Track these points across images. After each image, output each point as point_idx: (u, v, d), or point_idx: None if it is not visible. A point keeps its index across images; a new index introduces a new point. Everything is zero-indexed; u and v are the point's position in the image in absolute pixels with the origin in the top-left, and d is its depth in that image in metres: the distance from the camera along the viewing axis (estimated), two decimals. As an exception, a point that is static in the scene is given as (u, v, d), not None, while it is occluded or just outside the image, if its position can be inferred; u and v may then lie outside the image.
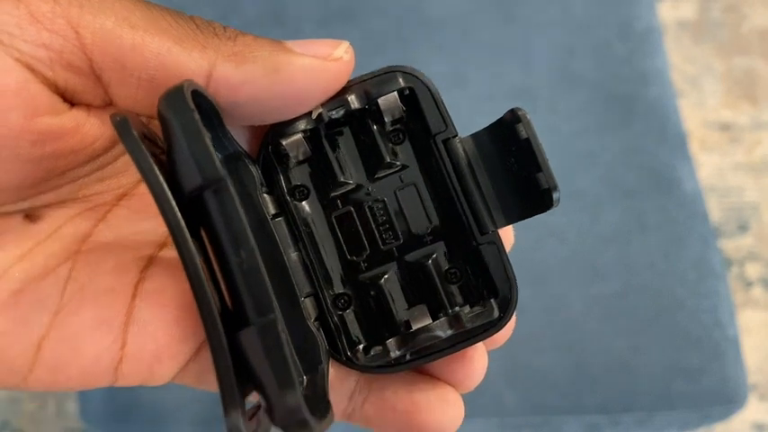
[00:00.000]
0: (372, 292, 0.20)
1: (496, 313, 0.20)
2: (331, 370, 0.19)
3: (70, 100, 0.16)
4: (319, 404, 0.17)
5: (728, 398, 0.64)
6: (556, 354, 0.63)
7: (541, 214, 0.20)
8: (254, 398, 0.17)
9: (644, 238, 0.68)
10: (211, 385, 0.20)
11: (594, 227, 0.68)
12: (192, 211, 0.16)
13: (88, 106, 0.17)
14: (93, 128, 0.17)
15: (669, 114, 0.75)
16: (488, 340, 0.20)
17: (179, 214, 0.15)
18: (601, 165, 0.71)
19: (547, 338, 0.64)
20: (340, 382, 0.20)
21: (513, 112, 0.19)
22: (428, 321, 0.20)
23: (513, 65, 0.75)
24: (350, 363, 0.20)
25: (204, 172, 0.15)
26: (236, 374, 0.16)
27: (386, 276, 0.20)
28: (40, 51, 0.15)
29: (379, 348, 0.20)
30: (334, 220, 0.20)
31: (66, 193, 0.18)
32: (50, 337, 0.18)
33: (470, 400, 0.71)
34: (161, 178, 0.15)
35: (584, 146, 0.72)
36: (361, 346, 0.20)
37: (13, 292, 0.17)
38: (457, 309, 0.20)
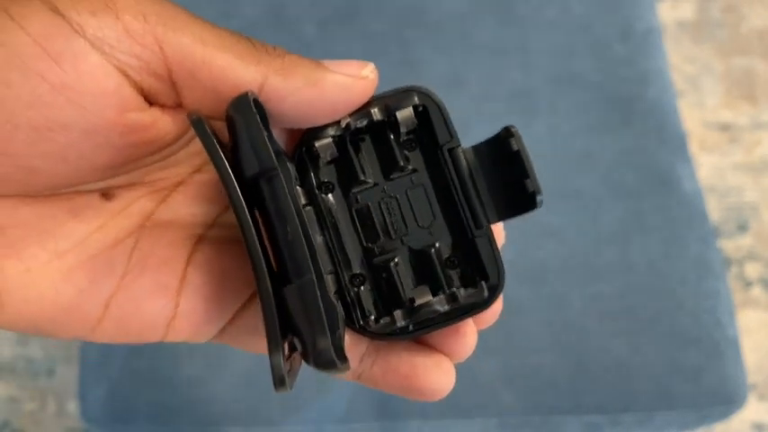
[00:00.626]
0: (384, 274, 0.24)
1: (486, 294, 0.23)
2: (346, 336, 0.22)
3: (150, 100, 0.20)
4: (339, 356, 0.20)
5: (728, 398, 0.64)
6: (555, 353, 0.64)
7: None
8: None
9: (644, 238, 0.68)
10: (245, 345, 0.24)
11: (594, 227, 0.68)
12: (249, 195, 0.20)
13: (163, 106, 0.21)
14: (165, 124, 0.21)
15: (669, 114, 0.75)
16: (478, 318, 0.24)
17: (239, 190, 0.19)
18: (601, 165, 0.71)
19: (546, 338, 0.64)
20: (353, 347, 0.24)
21: (507, 129, 0.23)
22: (429, 298, 0.23)
23: (513, 65, 0.76)
24: (362, 330, 0.23)
25: (262, 162, 0.19)
26: (279, 322, 0.20)
27: (395, 260, 0.24)
28: (132, 61, 0.19)
29: (387, 319, 0.23)
30: (354, 213, 0.24)
31: (136, 177, 0.22)
32: (117, 295, 0.22)
33: (470, 399, 0.70)
34: (226, 163, 0.19)
35: (584, 146, 0.72)
36: (372, 317, 0.23)
37: (90, 257, 0.21)
38: (454, 289, 0.23)
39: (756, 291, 1.03)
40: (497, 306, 0.24)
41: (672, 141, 0.73)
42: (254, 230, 0.19)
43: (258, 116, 0.19)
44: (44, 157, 0.19)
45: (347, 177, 0.24)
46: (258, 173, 0.20)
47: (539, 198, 0.22)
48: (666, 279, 0.66)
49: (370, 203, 0.24)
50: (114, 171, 0.21)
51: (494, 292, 0.23)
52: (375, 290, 0.24)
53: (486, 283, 0.23)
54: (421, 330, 0.23)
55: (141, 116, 0.20)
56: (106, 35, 0.18)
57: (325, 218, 0.23)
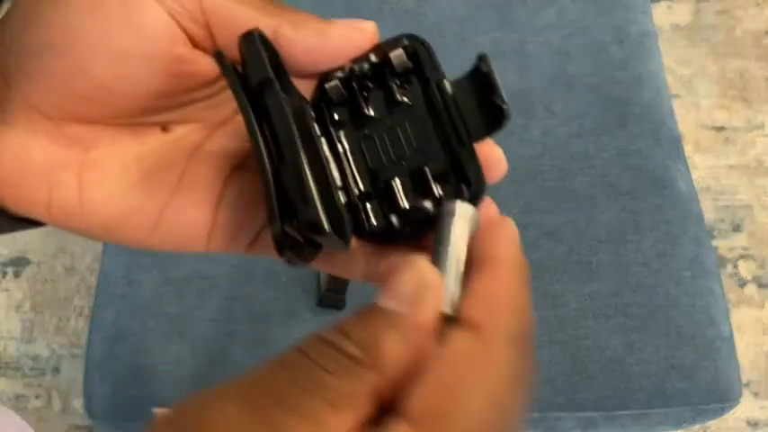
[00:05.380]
0: (386, 190, 0.27)
1: (467, 199, 0.26)
2: (354, 242, 0.27)
3: (193, 44, 0.25)
4: (336, 228, 0.24)
5: (722, 395, 0.65)
6: (552, 351, 0.64)
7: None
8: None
9: (639, 238, 0.68)
10: (274, 254, 0.27)
11: (590, 227, 0.69)
12: (256, 108, 0.24)
13: (203, 50, 0.26)
14: (206, 63, 0.26)
15: (664, 116, 0.76)
16: None
17: (246, 99, 0.24)
18: (597, 166, 0.72)
19: (543, 336, 0.65)
20: (361, 249, 0.28)
21: (479, 56, 0.26)
22: (420, 202, 0.27)
23: (511, 68, 0.76)
24: (368, 234, 0.27)
25: (260, 73, 0.24)
26: (278, 200, 0.23)
27: (395, 178, 0.27)
28: (179, 8, 0.24)
29: (385, 221, 0.27)
30: (362, 142, 0.28)
31: (188, 115, 0.28)
32: (169, 206, 0.27)
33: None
34: (237, 81, 0.24)
35: (580, 147, 0.72)
36: (376, 224, 0.27)
37: (150, 173, 0.27)
38: (441, 194, 0.27)
39: (750, 289, 1.03)
40: (483, 212, 0.27)
41: (667, 143, 0.74)
42: (255, 122, 0.23)
43: (263, 47, 0.24)
44: (116, 79, 0.25)
45: (356, 114, 0.28)
46: (259, 82, 0.24)
47: (505, 108, 0.25)
48: (661, 278, 0.67)
49: (375, 134, 0.28)
50: (169, 101, 0.27)
51: (475, 196, 0.26)
52: (380, 203, 0.27)
53: (468, 188, 0.26)
54: (415, 232, 0.27)
55: (187, 51, 0.25)
56: None
57: (337, 148, 0.27)
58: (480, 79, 0.26)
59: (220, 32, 0.25)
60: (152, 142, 0.28)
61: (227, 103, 0.28)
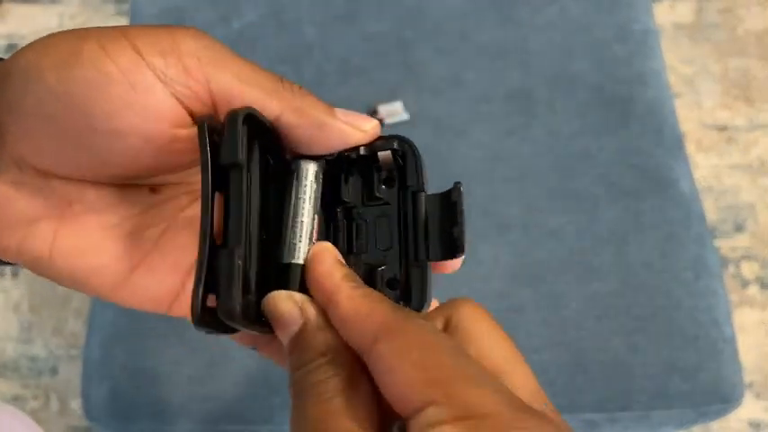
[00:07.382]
0: None
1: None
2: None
3: (192, 120, 0.26)
4: (247, 315, 0.25)
5: (725, 396, 0.64)
6: (553, 352, 0.64)
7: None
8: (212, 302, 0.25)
9: (641, 238, 0.68)
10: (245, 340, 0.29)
11: (592, 226, 0.68)
12: (221, 179, 0.25)
13: None
14: None
15: (666, 115, 0.75)
16: None
17: (211, 172, 0.25)
18: (599, 165, 0.71)
19: (544, 337, 0.64)
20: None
21: (455, 184, 0.27)
22: None
23: (512, 66, 0.76)
24: None
25: (231, 155, 0.25)
26: (207, 276, 0.24)
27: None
28: (186, 91, 0.25)
29: None
30: (331, 225, 0.29)
31: (180, 178, 0.29)
32: (140, 266, 0.28)
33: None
34: (209, 153, 0.25)
35: (582, 146, 0.72)
36: None
37: (128, 233, 0.28)
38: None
39: (753, 290, 1.03)
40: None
41: (669, 142, 0.74)
42: (210, 201, 0.25)
43: (253, 129, 0.25)
44: (113, 154, 0.26)
45: (332, 195, 0.29)
46: (228, 164, 0.25)
47: (460, 244, 0.26)
48: (663, 279, 0.66)
49: (344, 221, 0.29)
50: (161, 171, 0.28)
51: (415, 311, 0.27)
52: None
53: (407, 305, 0.27)
54: None
55: (186, 131, 0.26)
56: (169, 71, 0.25)
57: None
58: (450, 204, 0.27)
59: (225, 111, 0.26)
60: (138, 202, 0.29)
61: None
